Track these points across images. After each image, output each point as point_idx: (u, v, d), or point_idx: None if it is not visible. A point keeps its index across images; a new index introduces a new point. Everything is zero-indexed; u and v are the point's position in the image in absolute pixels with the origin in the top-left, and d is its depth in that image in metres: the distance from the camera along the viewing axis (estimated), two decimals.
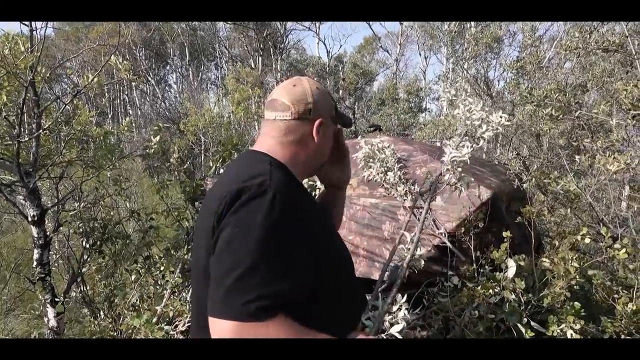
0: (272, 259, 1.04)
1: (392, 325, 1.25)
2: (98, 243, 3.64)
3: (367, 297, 1.57)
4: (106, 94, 24.82)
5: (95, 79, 3.16)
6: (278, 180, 1.14)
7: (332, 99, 1.40)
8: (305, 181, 3.20)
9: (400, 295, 1.31)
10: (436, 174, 1.49)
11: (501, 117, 1.55)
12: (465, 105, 1.50)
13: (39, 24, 2.95)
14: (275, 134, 1.30)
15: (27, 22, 2.89)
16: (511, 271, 2.30)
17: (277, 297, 1.02)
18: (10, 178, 3.31)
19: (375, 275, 2.91)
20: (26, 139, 3.07)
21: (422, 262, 1.45)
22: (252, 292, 0.99)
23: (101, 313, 3.35)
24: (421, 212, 2.00)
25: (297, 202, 1.17)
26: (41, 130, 3.10)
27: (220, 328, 1.00)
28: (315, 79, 1.48)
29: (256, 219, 1.05)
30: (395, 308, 1.25)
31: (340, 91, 17.45)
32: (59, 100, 3.40)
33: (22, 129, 3.06)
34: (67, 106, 3.34)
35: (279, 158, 1.28)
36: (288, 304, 1.04)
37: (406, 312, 1.25)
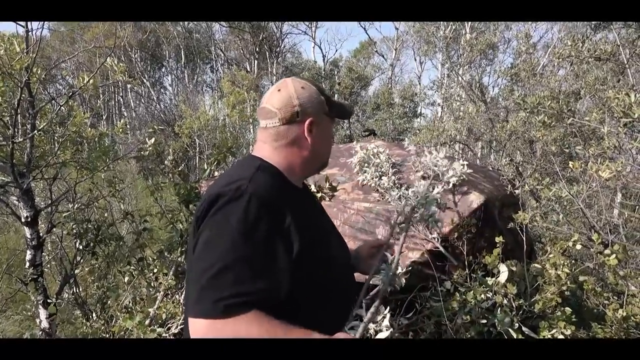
0: (246, 259, 1.07)
1: (377, 332, 1.25)
2: (91, 244, 3.63)
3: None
4: (101, 96, 24.76)
5: (91, 81, 3.16)
6: (257, 184, 1.17)
7: (323, 94, 1.38)
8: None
9: (382, 306, 1.31)
10: (409, 210, 1.57)
11: (462, 165, 1.72)
12: (431, 153, 1.65)
13: (34, 25, 2.96)
14: (268, 140, 1.33)
15: (22, 23, 2.88)
16: (503, 276, 2.31)
17: (250, 295, 1.04)
18: (3, 179, 3.30)
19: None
20: (20, 139, 3.06)
21: (403, 281, 1.45)
22: (224, 291, 1.02)
23: (93, 315, 3.33)
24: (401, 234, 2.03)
25: (276, 205, 1.18)
26: (35, 131, 3.09)
27: (195, 327, 1.03)
28: (302, 75, 1.47)
29: (231, 221, 1.09)
30: (379, 317, 1.25)
31: (336, 95, 17.48)
32: (53, 101, 3.40)
33: (16, 130, 3.05)
34: (62, 107, 3.34)
35: (274, 162, 1.31)
36: (263, 302, 1.06)
37: (388, 321, 1.24)
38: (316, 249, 1.24)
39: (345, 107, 1.49)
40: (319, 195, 2.69)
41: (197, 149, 12.89)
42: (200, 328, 1.02)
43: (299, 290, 1.17)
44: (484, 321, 2.25)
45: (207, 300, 1.02)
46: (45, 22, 3.01)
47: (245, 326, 1.02)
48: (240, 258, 1.06)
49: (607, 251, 2.30)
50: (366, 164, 3.28)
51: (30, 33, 2.94)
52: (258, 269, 1.08)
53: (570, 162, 2.83)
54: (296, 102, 1.30)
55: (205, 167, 3.73)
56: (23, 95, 2.92)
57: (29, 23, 2.92)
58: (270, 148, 1.33)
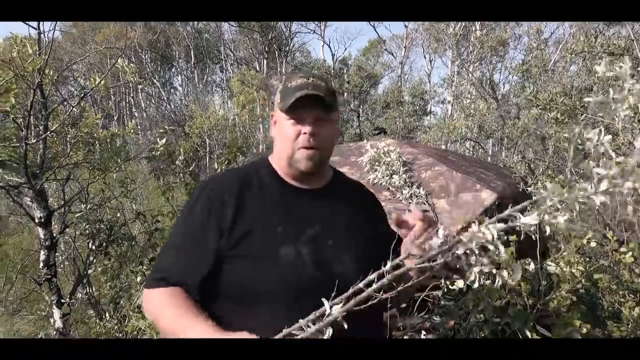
0: (179, 238, 1.24)
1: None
2: (104, 245, 3.66)
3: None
4: (112, 97, 24.96)
5: (102, 82, 3.18)
6: (222, 176, 1.34)
7: (285, 85, 1.30)
8: None
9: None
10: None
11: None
12: None
13: (46, 27, 2.98)
14: None
15: (34, 25, 2.91)
16: (517, 275, 2.29)
17: (169, 271, 1.17)
18: (17, 180, 3.33)
19: None
20: (33, 141, 3.09)
21: None
22: (157, 265, 1.23)
23: (107, 314, 3.36)
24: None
25: (223, 195, 1.23)
26: (48, 133, 3.12)
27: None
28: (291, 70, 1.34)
29: (186, 206, 1.28)
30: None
31: (345, 94, 17.47)
32: (66, 102, 3.43)
33: (29, 131, 3.09)
34: (74, 108, 3.36)
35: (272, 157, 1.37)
36: (181, 279, 1.16)
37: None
38: (250, 245, 1.19)
39: (290, 94, 1.25)
40: None
41: (208, 148, 12.92)
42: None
43: (222, 281, 1.19)
44: (498, 320, 2.23)
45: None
46: (57, 24, 3.04)
47: (152, 300, 1.16)
48: (175, 237, 1.25)
49: (622, 249, 2.27)
50: (377, 163, 3.27)
51: (42, 35, 2.97)
52: (185, 247, 1.20)
53: (581, 165, 2.79)
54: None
55: (216, 167, 3.74)
56: (36, 96, 2.94)
57: (41, 25, 2.95)
58: None
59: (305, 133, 1.25)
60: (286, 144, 1.27)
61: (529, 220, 0.85)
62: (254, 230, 1.20)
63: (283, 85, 1.31)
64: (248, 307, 1.16)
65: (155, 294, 1.16)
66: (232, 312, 1.15)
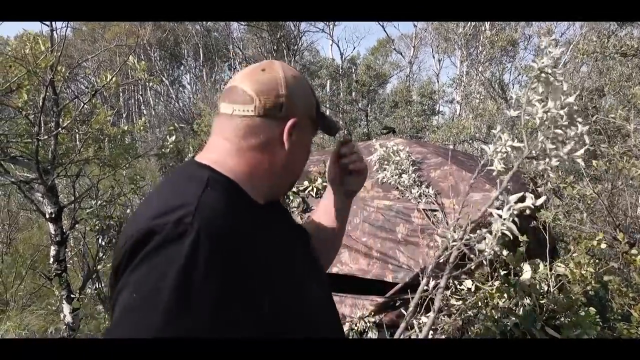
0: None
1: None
2: (113, 241, 3.69)
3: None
4: (121, 94, 25.13)
5: (113, 79, 3.21)
6: (207, 212, 0.77)
7: (314, 94, 1.02)
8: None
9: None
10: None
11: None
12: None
13: (59, 24, 3.01)
14: (231, 135, 0.93)
15: (47, 23, 2.94)
16: (526, 275, 2.28)
17: None
18: (29, 175, 3.37)
19: (389, 277, 2.91)
20: (45, 137, 3.12)
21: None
22: None
23: None
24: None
25: (234, 243, 0.78)
26: (60, 129, 3.14)
27: None
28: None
29: (167, 277, 0.69)
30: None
31: (354, 93, 17.44)
32: (77, 99, 3.46)
33: (41, 128, 3.11)
34: (85, 105, 3.39)
35: (228, 171, 0.91)
36: None
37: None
38: (289, 296, 0.88)
39: (332, 120, 1.10)
40: None
41: None
42: None
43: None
44: (506, 320, 2.22)
45: None
46: (69, 22, 3.07)
47: None
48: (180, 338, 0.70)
49: (633, 250, 2.26)
50: (386, 162, 3.27)
51: (54, 32, 3.00)
52: None
53: (594, 161, 2.78)
54: (283, 92, 0.92)
55: None
56: (47, 93, 2.97)
57: (53, 22, 2.97)
58: (230, 147, 0.92)
59: (310, 150, 1.08)
60: (304, 161, 1.04)
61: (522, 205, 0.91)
62: (282, 289, 0.86)
63: (312, 93, 1.02)
64: None
65: None
66: None
